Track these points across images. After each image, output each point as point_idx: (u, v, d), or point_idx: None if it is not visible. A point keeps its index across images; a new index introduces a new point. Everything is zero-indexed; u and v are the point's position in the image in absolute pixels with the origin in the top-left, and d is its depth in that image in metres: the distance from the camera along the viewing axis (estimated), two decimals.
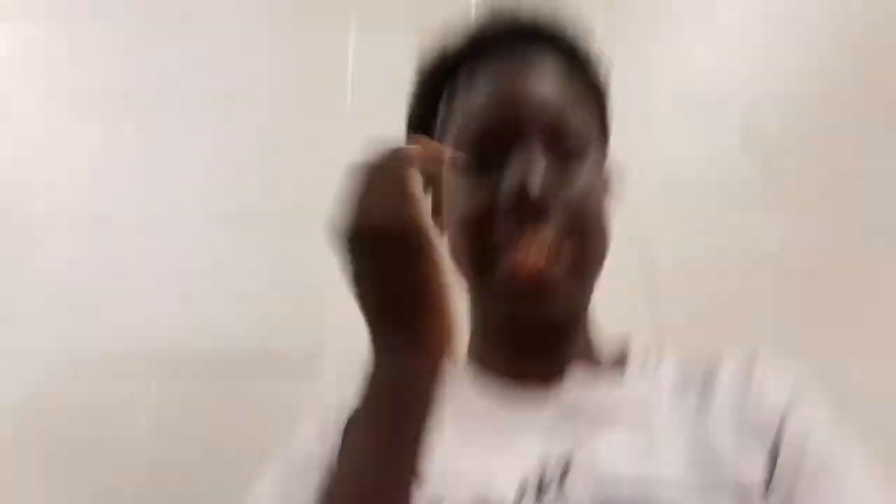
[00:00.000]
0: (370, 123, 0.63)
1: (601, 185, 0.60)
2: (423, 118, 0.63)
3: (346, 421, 0.48)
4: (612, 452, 0.50)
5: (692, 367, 0.57)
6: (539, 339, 0.58)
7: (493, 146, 0.55)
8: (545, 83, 0.58)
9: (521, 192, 0.51)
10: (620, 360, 0.60)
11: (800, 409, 0.52)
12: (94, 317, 0.97)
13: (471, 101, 0.59)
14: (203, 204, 1.02)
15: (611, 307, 0.61)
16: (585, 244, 0.55)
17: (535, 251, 0.51)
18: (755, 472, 0.48)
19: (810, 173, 1.03)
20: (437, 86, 0.62)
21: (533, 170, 0.52)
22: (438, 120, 0.62)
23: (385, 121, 0.63)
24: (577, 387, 0.56)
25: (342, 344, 0.67)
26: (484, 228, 0.53)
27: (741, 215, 1.02)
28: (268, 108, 1.07)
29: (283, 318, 0.97)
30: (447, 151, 0.50)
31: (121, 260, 1.00)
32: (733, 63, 1.11)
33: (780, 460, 0.48)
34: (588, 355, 0.60)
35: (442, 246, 0.41)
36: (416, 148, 0.43)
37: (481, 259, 0.54)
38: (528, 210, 0.51)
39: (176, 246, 1.00)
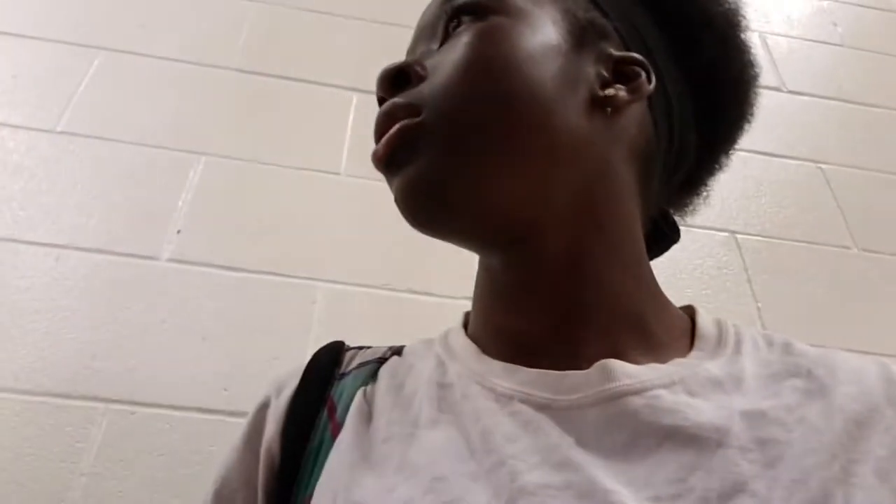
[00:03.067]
0: None
1: (499, 52, 0.43)
2: None
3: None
4: None
5: (786, 360, 0.41)
6: (521, 277, 0.45)
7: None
8: None
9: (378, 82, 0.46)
10: (676, 337, 0.44)
11: None
12: None
13: None
14: None
15: None
16: (429, 118, 0.42)
17: (377, 138, 0.44)
18: None
19: None
20: None
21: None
22: None
23: None
24: (623, 377, 0.39)
25: None
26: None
27: None
28: None
29: None
30: None
31: None
32: None
33: None
34: (629, 326, 0.43)
35: None
36: None
37: None
38: (383, 97, 0.46)
39: None
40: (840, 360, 0.41)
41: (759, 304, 1.23)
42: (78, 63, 1.30)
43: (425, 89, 0.43)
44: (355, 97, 1.35)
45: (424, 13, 0.51)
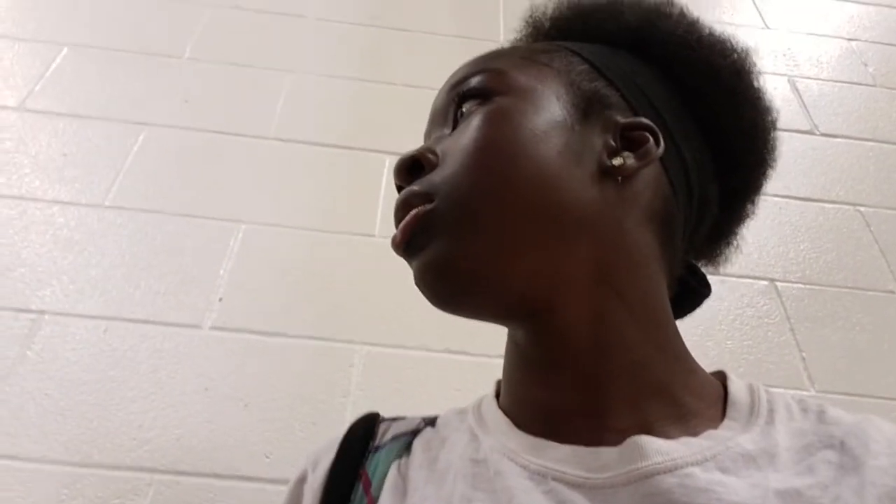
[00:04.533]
0: None
1: (505, 131, 0.45)
2: None
3: None
4: None
5: (819, 429, 0.41)
6: (543, 349, 0.45)
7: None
8: (475, 60, 0.53)
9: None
10: (707, 405, 0.44)
11: None
12: None
13: None
14: None
15: None
16: (441, 204, 0.44)
17: (397, 225, 0.47)
18: None
19: None
20: None
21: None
22: None
23: None
24: (654, 454, 0.39)
25: None
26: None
27: None
28: None
29: None
30: None
31: None
32: None
33: None
34: (656, 395, 0.43)
35: None
36: None
37: None
38: (401, 185, 0.48)
39: None
40: (874, 430, 0.40)
41: (804, 354, 1.20)
42: (124, 139, 1.37)
43: (437, 177, 0.46)
44: (388, 160, 1.39)
45: (436, 99, 0.54)
